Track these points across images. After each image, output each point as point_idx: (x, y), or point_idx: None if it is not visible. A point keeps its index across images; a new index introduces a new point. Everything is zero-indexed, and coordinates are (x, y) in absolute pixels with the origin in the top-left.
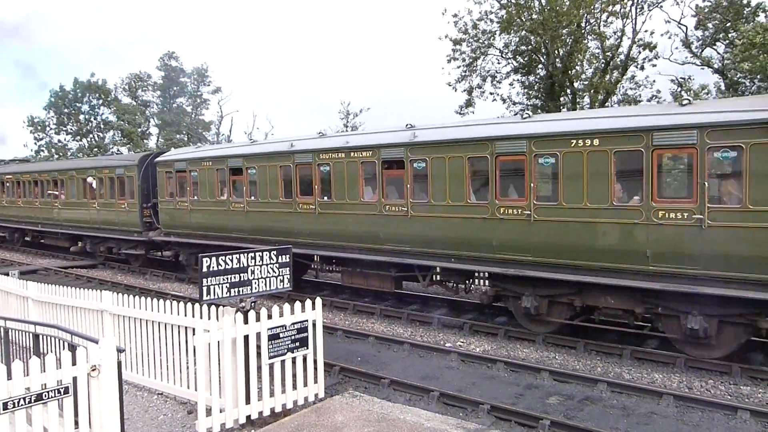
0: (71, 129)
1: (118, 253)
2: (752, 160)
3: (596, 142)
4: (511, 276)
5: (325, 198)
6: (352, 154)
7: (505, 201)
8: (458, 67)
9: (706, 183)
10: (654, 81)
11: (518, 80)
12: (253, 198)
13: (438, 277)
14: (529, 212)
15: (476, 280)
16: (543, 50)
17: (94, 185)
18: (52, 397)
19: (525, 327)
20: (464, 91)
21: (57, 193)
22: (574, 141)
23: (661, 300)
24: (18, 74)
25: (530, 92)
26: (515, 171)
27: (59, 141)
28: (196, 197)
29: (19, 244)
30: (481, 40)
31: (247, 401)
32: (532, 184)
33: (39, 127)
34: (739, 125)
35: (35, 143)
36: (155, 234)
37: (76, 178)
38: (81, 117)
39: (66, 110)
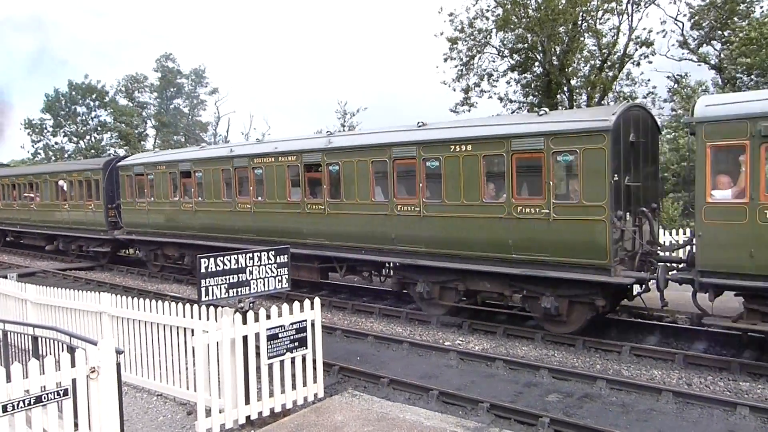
0: (68, 131)
1: (86, 251)
2: (584, 163)
3: (470, 147)
4: (408, 265)
5: (259, 198)
6: (280, 158)
7: (401, 199)
8: (455, 66)
9: (551, 182)
10: (649, 79)
11: (514, 79)
12: (200, 198)
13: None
14: (419, 209)
15: (385, 270)
16: (539, 48)
17: (65, 188)
18: (51, 399)
19: (423, 310)
20: (461, 90)
21: (33, 195)
22: (453, 146)
23: (524, 283)
24: (15, 74)
25: (527, 90)
26: (408, 173)
27: (56, 143)
28: (152, 198)
29: (0, 244)
30: (477, 39)
31: (247, 402)
32: (421, 184)
33: (36, 130)
34: (574, 133)
35: (32, 146)
36: (119, 233)
37: (50, 182)
38: (78, 119)
39: (62, 112)
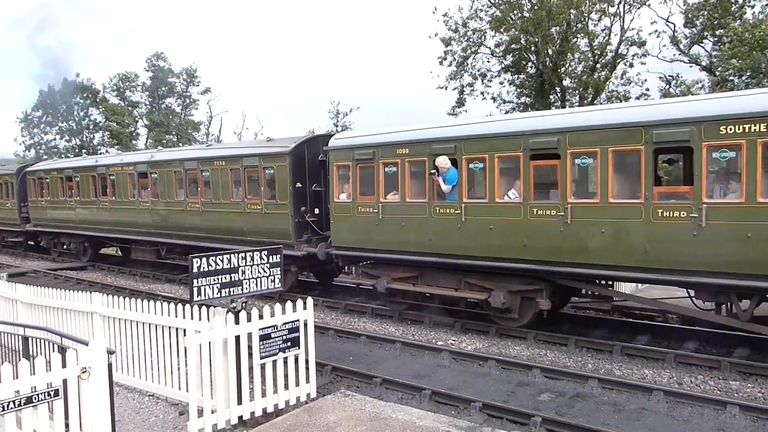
0: (63, 128)
1: (5, 241)
2: (278, 175)
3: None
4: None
5: (113, 198)
6: (125, 168)
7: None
8: (449, 65)
9: (263, 188)
10: (645, 80)
11: (508, 79)
12: (79, 198)
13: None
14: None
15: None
16: (533, 48)
17: None
18: (42, 400)
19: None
20: (455, 89)
21: None
22: (216, 162)
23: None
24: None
25: (521, 90)
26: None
27: (48, 141)
28: (49, 198)
29: None
30: (471, 39)
31: (239, 402)
32: (199, 188)
33: (31, 126)
34: (269, 155)
35: (24, 142)
36: (30, 226)
37: None
38: (70, 117)
39: (51, 111)
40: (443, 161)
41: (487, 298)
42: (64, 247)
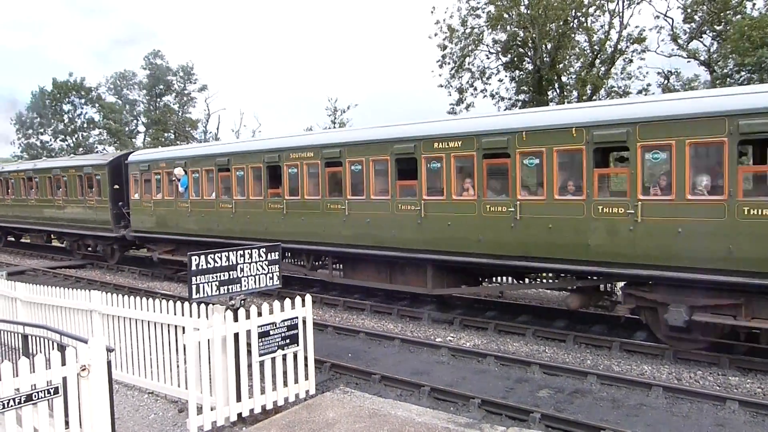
0: (56, 129)
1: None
2: (101, 180)
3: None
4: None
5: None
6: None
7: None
8: (447, 63)
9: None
10: (647, 73)
11: (507, 76)
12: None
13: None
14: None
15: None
16: (531, 45)
17: None
18: (41, 398)
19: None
20: (456, 89)
21: None
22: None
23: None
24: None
25: (519, 87)
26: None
27: (42, 141)
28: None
29: None
30: (469, 39)
31: (238, 399)
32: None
33: (25, 126)
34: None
35: (22, 142)
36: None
37: None
38: (65, 117)
39: (45, 111)
40: (179, 171)
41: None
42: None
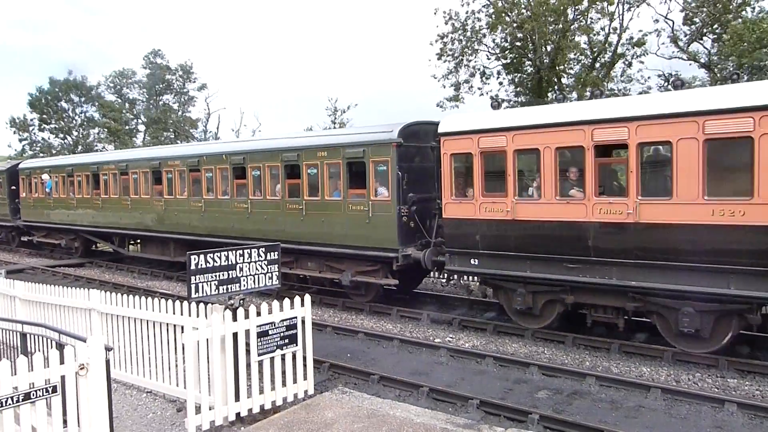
0: (55, 127)
1: None
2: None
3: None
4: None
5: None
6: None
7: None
8: (445, 61)
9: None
10: (649, 77)
11: (507, 78)
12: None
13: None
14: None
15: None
16: (530, 46)
17: None
18: (40, 396)
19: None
20: (452, 86)
21: None
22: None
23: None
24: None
25: (519, 89)
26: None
27: (42, 139)
28: None
29: None
30: (471, 41)
31: (237, 398)
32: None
33: (21, 126)
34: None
35: (19, 142)
36: None
37: None
38: (64, 115)
39: (46, 109)
40: (45, 176)
41: None
42: None
